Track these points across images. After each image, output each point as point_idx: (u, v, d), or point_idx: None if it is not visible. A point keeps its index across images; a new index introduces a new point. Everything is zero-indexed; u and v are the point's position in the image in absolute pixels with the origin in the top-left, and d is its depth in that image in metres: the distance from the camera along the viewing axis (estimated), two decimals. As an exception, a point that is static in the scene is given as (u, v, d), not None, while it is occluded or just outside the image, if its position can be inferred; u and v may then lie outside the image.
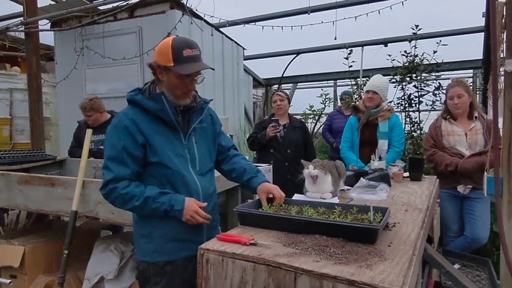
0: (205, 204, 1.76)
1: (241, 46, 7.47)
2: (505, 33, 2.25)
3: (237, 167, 2.00)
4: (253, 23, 6.04)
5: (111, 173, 1.68)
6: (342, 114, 5.36)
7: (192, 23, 5.13)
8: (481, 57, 5.62)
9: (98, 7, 5.44)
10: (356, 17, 4.71)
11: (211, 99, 2.02)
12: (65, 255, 2.60)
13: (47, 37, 6.69)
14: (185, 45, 1.68)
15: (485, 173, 2.40)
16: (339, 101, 6.05)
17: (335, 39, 5.10)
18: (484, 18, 5.23)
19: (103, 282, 2.68)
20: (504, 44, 2.27)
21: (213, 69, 1.86)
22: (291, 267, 1.19)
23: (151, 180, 1.76)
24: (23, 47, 5.85)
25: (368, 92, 3.37)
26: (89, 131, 2.94)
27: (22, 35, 5.75)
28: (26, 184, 2.79)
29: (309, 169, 2.08)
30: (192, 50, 1.69)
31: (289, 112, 4.01)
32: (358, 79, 6.25)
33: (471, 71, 7.86)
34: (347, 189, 2.43)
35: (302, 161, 2.18)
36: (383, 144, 3.27)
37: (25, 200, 2.81)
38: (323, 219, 1.51)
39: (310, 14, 5.64)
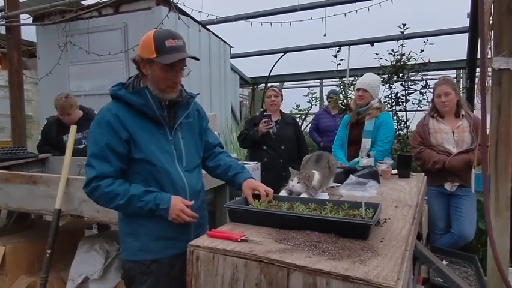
0: (192, 202, 1.71)
1: (228, 44, 7.42)
2: (492, 31, 2.28)
3: (222, 164, 1.97)
4: (242, 20, 5.99)
5: (94, 171, 1.63)
6: (329, 113, 5.37)
7: (179, 18, 5.06)
8: (465, 58, 5.71)
9: (82, 1, 5.33)
10: (345, 14, 4.73)
11: (198, 93, 1.97)
12: (48, 255, 2.52)
13: (28, 33, 6.53)
14: (168, 36, 1.64)
15: (473, 170, 2.42)
16: (325, 100, 6.03)
17: (324, 35, 5.12)
18: (469, 18, 5.32)
19: (88, 282, 2.62)
20: (491, 42, 2.29)
21: (198, 59, 1.80)
22: (284, 263, 1.17)
23: (136, 177, 1.71)
24: (4, 43, 5.68)
25: (358, 90, 3.36)
26: (73, 127, 2.87)
27: (3, 30, 5.58)
28: (6, 182, 2.71)
29: (293, 182, 1.99)
30: (175, 41, 1.64)
31: (280, 109, 3.99)
32: (344, 78, 6.28)
33: (454, 71, 7.99)
34: (336, 186, 2.42)
35: (290, 169, 2.10)
36: (365, 142, 3.25)
37: (5, 199, 2.72)
38: (315, 215, 1.49)
39: (300, 12, 5.62)
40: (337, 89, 6.01)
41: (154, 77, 1.68)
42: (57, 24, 5.45)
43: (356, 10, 4.68)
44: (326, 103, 5.83)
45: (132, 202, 1.62)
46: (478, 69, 5.44)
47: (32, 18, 5.74)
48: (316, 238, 1.36)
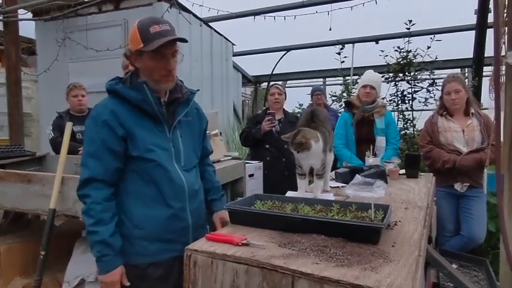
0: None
1: (230, 41, 7.33)
2: (506, 26, 2.18)
3: (205, 181, 1.92)
4: (246, 16, 5.89)
5: (88, 171, 1.56)
6: None
7: (180, 13, 4.97)
8: (471, 56, 5.61)
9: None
10: (351, 7, 4.63)
11: (198, 90, 1.90)
12: (41, 257, 2.44)
13: (29, 30, 6.46)
14: (152, 22, 1.57)
15: (485, 170, 2.33)
16: (311, 99, 5.69)
17: (330, 29, 5.00)
18: (476, 15, 5.22)
19: (84, 285, 2.54)
20: (505, 37, 2.19)
21: (186, 41, 1.70)
22: (288, 270, 1.08)
23: (132, 175, 1.62)
24: (2, 39, 5.60)
25: (365, 86, 3.30)
26: (69, 124, 2.78)
27: (0, 26, 5.50)
28: (0, 181, 2.63)
29: (296, 154, 1.92)
30: (160, 26, 1.57)
31: (284, 107, 3.89)
32: (348, 77, 6.19)
33: (459, 69, 7.88)
34: (342, 186, 2.33)
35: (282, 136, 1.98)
36: (381, 141, 3.21)
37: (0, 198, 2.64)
38: (322, 217, 1.40)
39: (304, 8, 5.52)
40: (322, 86, 5.81)
41: (146, 68, 1.61)
42: (56, 21, 5.37)
43: (363, 3, 4.58)
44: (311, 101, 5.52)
45: (91, 238, 1.54)
46: (485, 68, 5.35)
47: (31, 14, 5.67)
48: (323, 242, 1.27)
